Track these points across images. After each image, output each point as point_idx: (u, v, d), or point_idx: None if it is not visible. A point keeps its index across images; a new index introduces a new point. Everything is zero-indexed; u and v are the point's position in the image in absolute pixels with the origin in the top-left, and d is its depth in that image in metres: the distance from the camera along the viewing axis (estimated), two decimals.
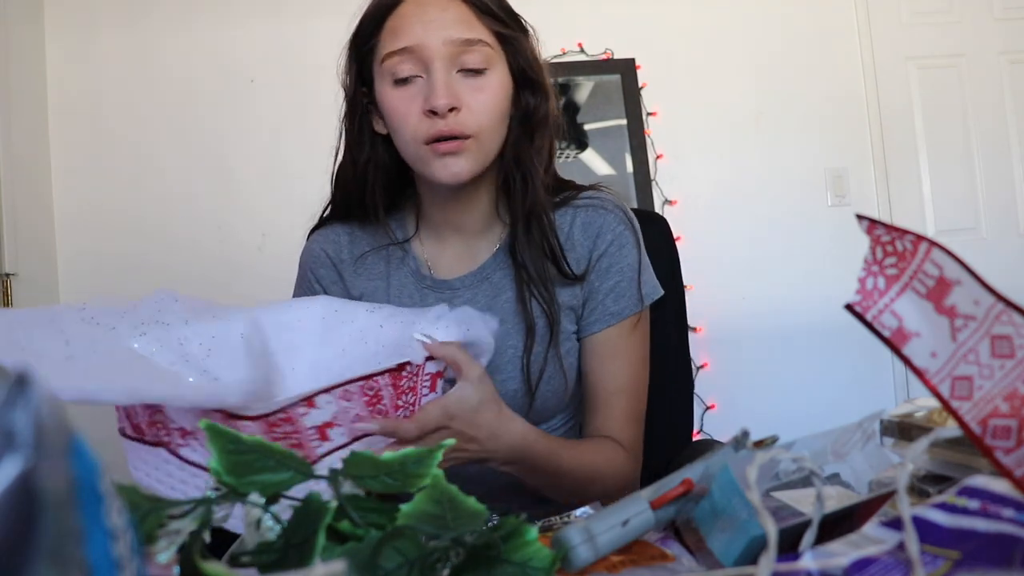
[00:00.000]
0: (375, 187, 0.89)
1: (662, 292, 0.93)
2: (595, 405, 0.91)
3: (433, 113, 0.79)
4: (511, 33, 0.84)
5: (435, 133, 0.79)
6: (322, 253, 0.95)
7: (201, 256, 2.36)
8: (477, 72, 0.81)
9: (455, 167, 0.81)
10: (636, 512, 0.50)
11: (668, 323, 1.20)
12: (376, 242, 0.93)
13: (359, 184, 0.90)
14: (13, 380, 0.22)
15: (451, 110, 0.79)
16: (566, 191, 0.93)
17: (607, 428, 0.89)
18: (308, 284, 0.96)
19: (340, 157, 0.92)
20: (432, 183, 0.85)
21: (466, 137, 0.80)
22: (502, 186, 0.89)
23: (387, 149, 0.89)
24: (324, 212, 0.98)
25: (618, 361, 0.90)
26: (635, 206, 1.91)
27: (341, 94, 0.89)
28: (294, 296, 0.99)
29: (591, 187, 0.95)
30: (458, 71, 0.81)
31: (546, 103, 0.87)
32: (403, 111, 0.81)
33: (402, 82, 0.81)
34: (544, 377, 0.87)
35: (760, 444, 0.53)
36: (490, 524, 0.64)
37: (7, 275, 2.05)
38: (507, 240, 0.90)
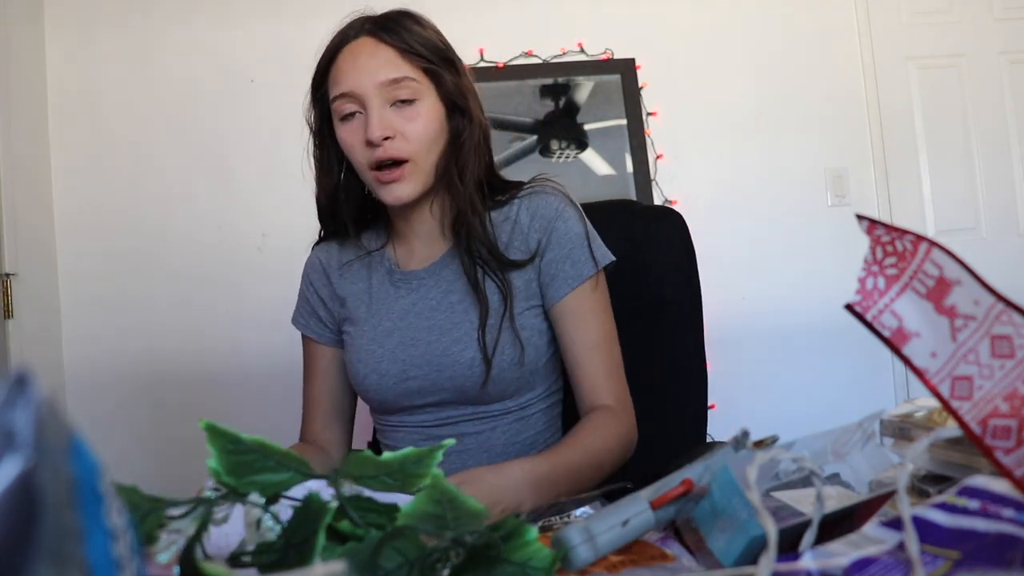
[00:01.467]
0: (346, 208, 1.05)
1: (613, 258, 1.03)
2: (576, 364, 1.00)
3: (371, 143, 0.93)
4: (435, 68, 0.97)
5: (375, 160, 0.94)
6: (316, 261, 1.12)
7: (201, 256, 2.36)
8: (407, 103, 0.94)
9: (398, 191, 0.96)
10: (636, 512, 0.50)
11: (684, 321, 1.20)
12: (359, 251, 1.10)
13: (332, 208, 1.06)
14: (13, 380, 0.22)
15: (386, 139, 0.93)
16: (511, 190, 1.05)
17: (592, 386, 0.99)
18: (305, 287, 1.13)
19: (315, 187, 1.07)
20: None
21: (403, 161, 0.94)
22: (446, 195, 1.03)
23: (351, 173, 1.04)
24: (320, 233, 1.14)
25: (587, 320, 1.00)
26: None
27: (307, 131, 1.03)
28: (297, 301, 1.14)
29: (532, 180, 1.07)
30: (392, 104, 0.94)
31: (470, 127, 0.99)
32: (350, 142, 0.96)
33: (348, 118, 0.96)
34: (499, 347, 0.97)
35: (760, 444, 0.53)
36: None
37: (7, 275, 2.05)
38: (451, 247, 1.04)
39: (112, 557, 0.24)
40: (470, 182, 0.99)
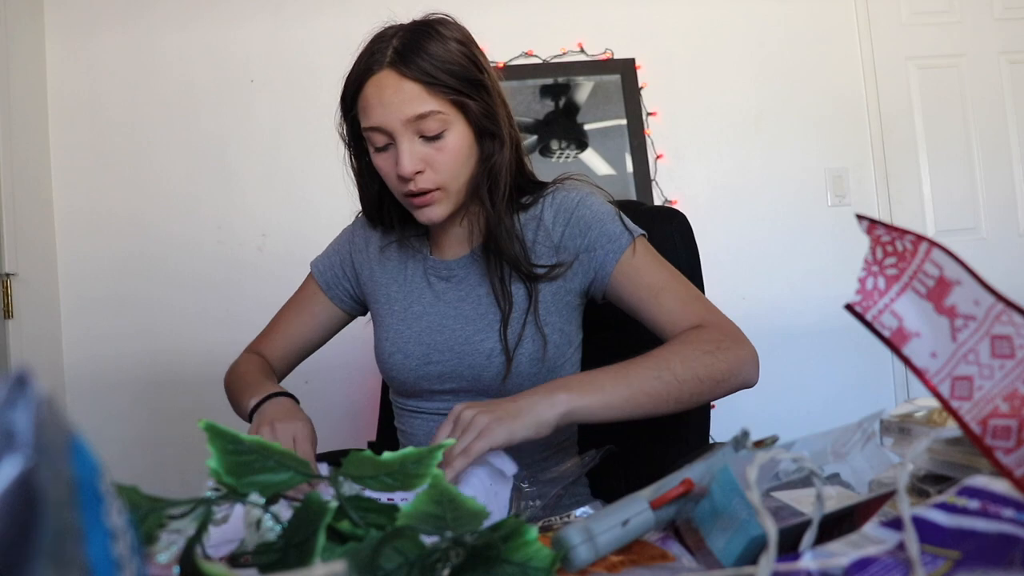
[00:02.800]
0: (389, 206, 1.10)
1: (645, 232, 1.02)
2: (653, 318, 0.97)
3: (402, 178, 0.95)
4: (461, 99, 0.96)
5: (408, 192, 0.97)
6: (362, 235, 1.17)
7: (201, 256, 2.36)
8: (435, 137, 0.95)
9: (430, 214, 0.99)
10: (636, 512, 0.50)
11: None
12: (398, 234, 1.13)
13: (378, 212, 1.11)
14: (13, 380, 0.22)
15: (417, 173, 0.95)
16: (538, 191, 1.07)
17: (672, 323, 0.95)
18: (342, 247, 1.18)
19: (358, 188, 1.11)
20: None
21: (435, 189, 0.97)
22: (480, 198, 1.05)
23: None
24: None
25: (647, 271, 0.99)
26: None
27: (341, 143, 1.06)
28: (328, 250, 1.20)
29: (556, 179, 1.09)
30: (420, 136, 0.95)
31: (501, 151, 1.00)
32: (386, 171, 0.99)
33: (381, 149, 0.97)
34: (521, 342, 1.00)
35: (760, 444, 0.53)
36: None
37: (7, 275, 2.05)
38: (480, 246, 1.07)
39: (112, 557, 0.24)
40: (501, 204, 1.01)
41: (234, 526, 0.46)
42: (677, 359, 0.87)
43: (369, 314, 1.18)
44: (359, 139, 1.02)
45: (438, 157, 0.95)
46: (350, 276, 1.16)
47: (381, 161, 0.98)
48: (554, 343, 1.02)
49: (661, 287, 0.97)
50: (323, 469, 0.84)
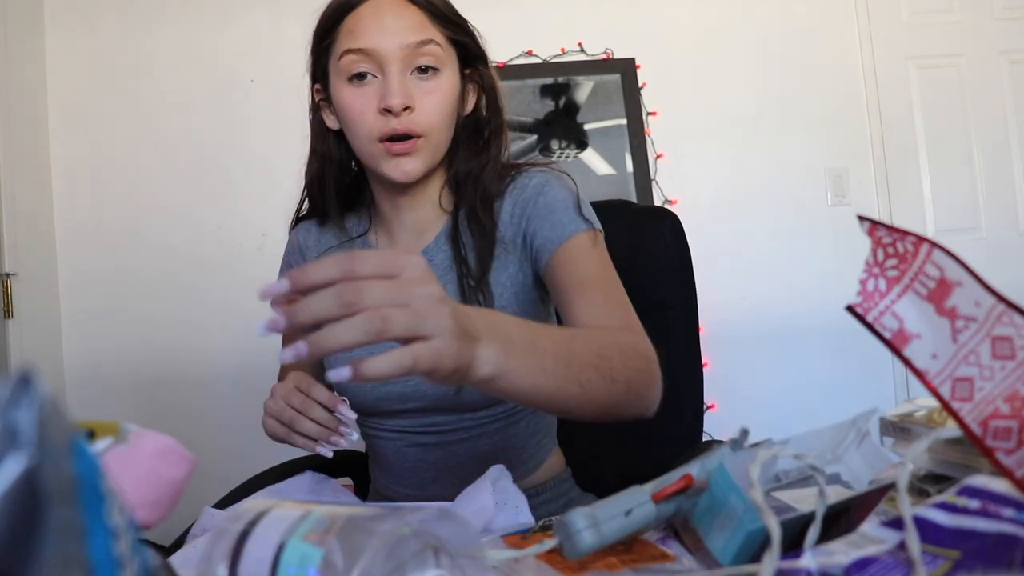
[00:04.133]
0: (330, 184, 0.96)
1: (600, 228, 0.92)
2: (573, 305, 0.84)
3: (388, 112, 0.84)
4: (460, 38, 0.90)
5: (389, 131, 0.84)
6: (296, 243, 1.05)
7: (201, 256, 2.36)
8: (429, 73, 0.86)
9: (408, 166, 0.86)
10: (639, 503, 0.50)
11: (680, 322, 1.19)
12: (340, 237, 1.01)
13: (319, 182, 0.96)
14: (17, 379, 0.22)
15: (405, 109, 0.84)
16: (507, 175, 0.96)
17: (591, 316, 0.82)
18: (284, 269, 1.07)
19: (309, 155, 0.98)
20: (384, 180, 0.90)
21: (418, 136, 0.85)
22: (449, 181, 0.95)
23: (339, 145, 0.94)
24: (299, 207, 1.05)
25: (581, 263, 0.87)
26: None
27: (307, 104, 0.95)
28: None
29: (523, 165, 0.97)
30: (411, 72, 0.86)
31: (499, 111, 0.93)
32: (358, 108, 0.86)
33: (358, 79, 0.85)
34: None
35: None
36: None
37: (7, 275, 2.05)
38: (448, 228, 0.95)
39: (113, 555, 0.24)
40: (491, 191, 0.91)
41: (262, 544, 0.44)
42: (616, 351, 0.70)
43: None
44: (317, 89, 0.92)
45: (427, 98, 0.85)
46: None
47: (354, 96, 0.85)
48: None
49: (591, 281, 0.85)
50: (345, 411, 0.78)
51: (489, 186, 0.92)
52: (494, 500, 0.74)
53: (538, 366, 0.61)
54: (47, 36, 2.37)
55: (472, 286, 0.89)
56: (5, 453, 0.20)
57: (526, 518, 0.74)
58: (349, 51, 0.85)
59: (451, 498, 0.83)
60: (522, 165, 0.97)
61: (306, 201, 1.02)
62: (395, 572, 0.40)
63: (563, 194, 0.92)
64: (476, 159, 0.93)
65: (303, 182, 1.00)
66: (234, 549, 0.43)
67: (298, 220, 1.05)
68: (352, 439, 0.86)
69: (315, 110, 0.95)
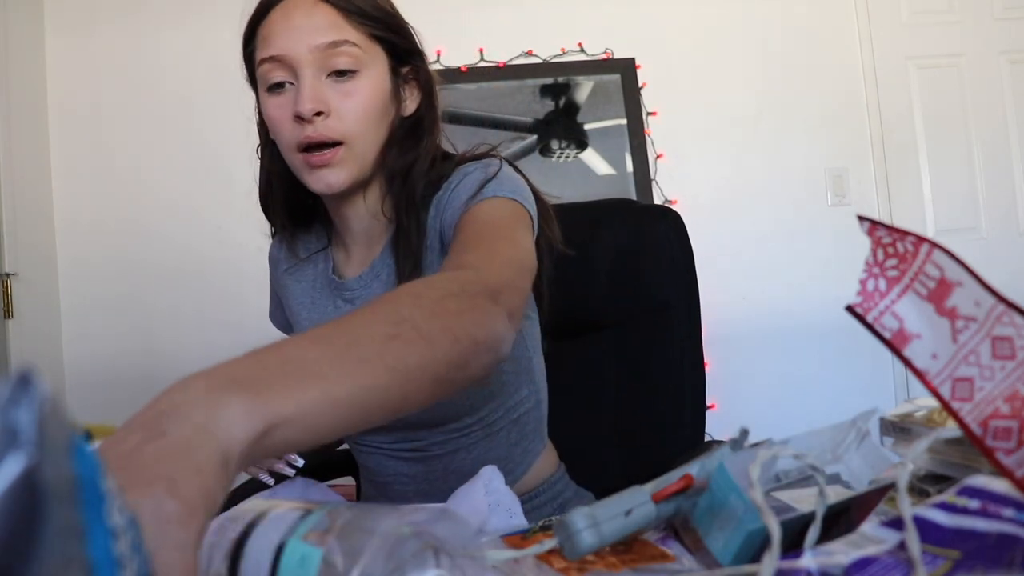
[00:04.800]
0: (277, 198, 0.91)
1: (525, 204, 0.81)
2: (452, 260, 0.74)
3: (301, 119, 0.78)
4: (385, 35, 0.83)
5: (304, 139, 0.79)
6: (272, 256, 1.04)
7: (201, 256, 2.36)
8: (346, 75, 0.80)
9: (329, 178, 0.81)
10: (639, 503, 0.50)
11: (682, 321, 1.19)
12: (306, 251, 0.98)
13: (266, 197, 0.92)
14: (17, 378, 0.22)
15: (318, 114, 0.78)
16: (449, 164, 0.88)
17: (452, 263, 0.72)
18: (271, 282, 1.05)
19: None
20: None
21: (336, 144, 0.80)
22: (386, 187, 0.87)
23: (280, 157, 0.87)
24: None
25: (481, 224, 0.77)
26: None
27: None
28: (270, 295, 1.07)
29: (463, 157, 0.90)
30: (327, 76, 0.80)
31: (432, 107, 0.87)
32: (277, 117, 0.81)
33: (276, 89, 0.81)
34: None
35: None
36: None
37: (7, 275, 2.05)
38: (391, 237, 0.88)
39: (113, 556, 0.24)
40: (417, 188, 0.84)
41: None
42: (415, 307, 0.54)
43: None
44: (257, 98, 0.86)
45: (345, 103, 0.79)
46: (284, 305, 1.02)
47: (273, 106, 0.81)
48: None
49: (483, 238, 0.74)
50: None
51: (415, 185, 0.84)
52: (487, 502, 0.74)
53: (317, 392, 0.44)
54: (47, 36, 2.37)
55: None
56: (4, 453, 0.20)
57: (519, 520, 0.73)
58: (263, 60, 0.81)
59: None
60: (462, 158, 0.89)
61: None
62: (395, 572, 0.40)
63: (477, 175, 0.82)
64: (403, 158, 0.85)
65: None
66: (234, 549, 0.43)
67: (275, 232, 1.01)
68: (298, 465, 0.86)
69: (259, 120, 0.89)
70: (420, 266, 0.84)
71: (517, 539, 0.64)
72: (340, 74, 0.80)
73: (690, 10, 2.62)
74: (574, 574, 0.53)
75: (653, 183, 2.55)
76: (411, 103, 0.87)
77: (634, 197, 2.52)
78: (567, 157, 2.53)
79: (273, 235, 1.02)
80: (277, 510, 0.45)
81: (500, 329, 0.60)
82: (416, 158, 0.85)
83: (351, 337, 0.49)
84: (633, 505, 0.50)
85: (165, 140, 2.39)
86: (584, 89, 2.56)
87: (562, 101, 2.56)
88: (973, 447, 0.46)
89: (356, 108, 0.80)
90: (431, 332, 0.52)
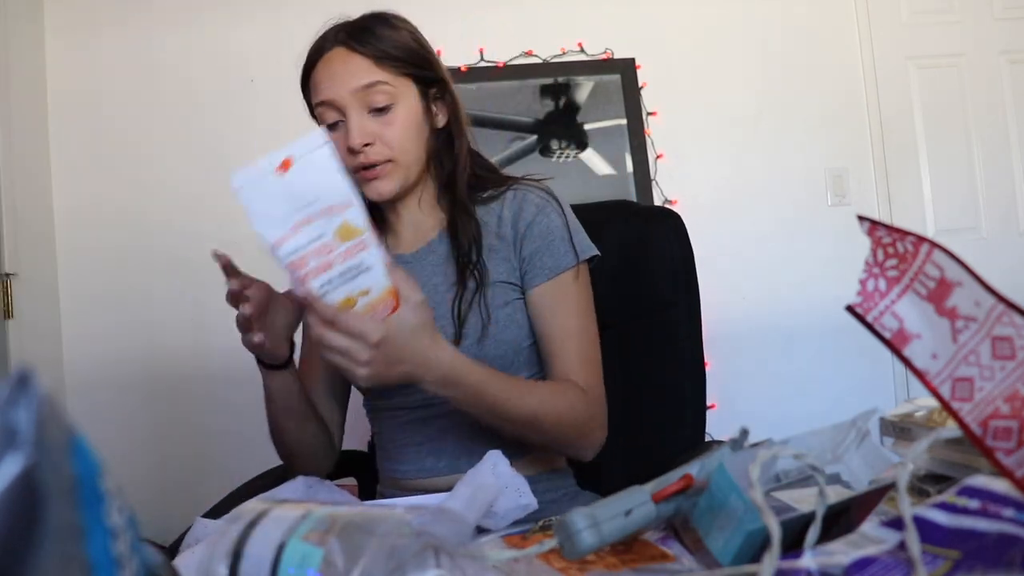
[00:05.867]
0: None
1: (597, 251, 1.04)
2: (550, 354, 1.02)
3: (352, 150, 0.97)
4: (411, 71, 1.00)
5: (358, 165, 0.98)
6: None
7: (202, 255, 2.35)
8: (384, 110, 0.98)
9: (380, 188, 1.00)
10: (639, 503, 0.50)
11: (683, 322, 1.19)
12: None
13: None
14: (15, 379, 0.22)
15: (366, 145, 0.97)
16: (499, 185, 1.08)
17: (563, 373, 1.00)
18: None
19: None
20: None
21: (385, 162, 0.98)
22: (442, 185, 1.07)
23: None
24: None
25: (563, 310, 1.02)
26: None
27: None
28: None
29: (521, 178, 1.09)
30: (369, 111, 0.98)
31: (457, 120, 1.05)
32: (337, 148, 0.98)
33: (332, 127, 0.99)
34: (468, 323, 0.99)
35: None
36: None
37: (7, 275, 2.05)
38: (446, 225, 1.07)
39: (112, 555, 0.24)
40: (463, 187, 1.04)
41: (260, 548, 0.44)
42: (552, 413, 0.94)
43: None
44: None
45: (387, 131, 0.98)
46: None
47: (333, 140, 0.99)
48: (512, 325, 1.01)
49: (572, 334, 1.01)
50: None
51: (461, 187, 1.04)
52: (495, 484, 0.76)
53: (476, 410, 0.89)
54: (47, 36, 2.37)
55: (470, 269, 1.01)
56: (3, 453, 0.20)
57: (528, 499, 0.77)
58: (317, 104, 0.99)
59: (448, 471, 1.00)
60: (519, 179, 1.09)
61: None
62: (395, 572, 0.40)
63: (558, 222, 1.03)
64: (446, 165, 1.05)
65: None
66: (234, 549, 0.43)
67: None
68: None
69: None
70: (478, 244, 1.02)
71: (517, 539, 0.64)
72: (379, 110, 0.98)
73: (690, 10, 2.62)
74: (574, 574, 0.53)
75: (653, 183, 2.55)
76: (442, 117, 1.05)
77: (634, 197, 2.52)
78: (567, 157, 2.53)
79: None
80: (277, 510, 0.45)
81: (590, 448, 0.99)
82: (455, 163, 1.05)
83: (507, 408, 0.91)
84: (633, 505, 0.50)
85: (165, 139, 2.39)
86: (584, 89, 2.56)
87: (562, 101, 2.55)
88: (973, 447, 0.46)
89: (397, 134, 0.99)
90: (547, 437, 0.96)
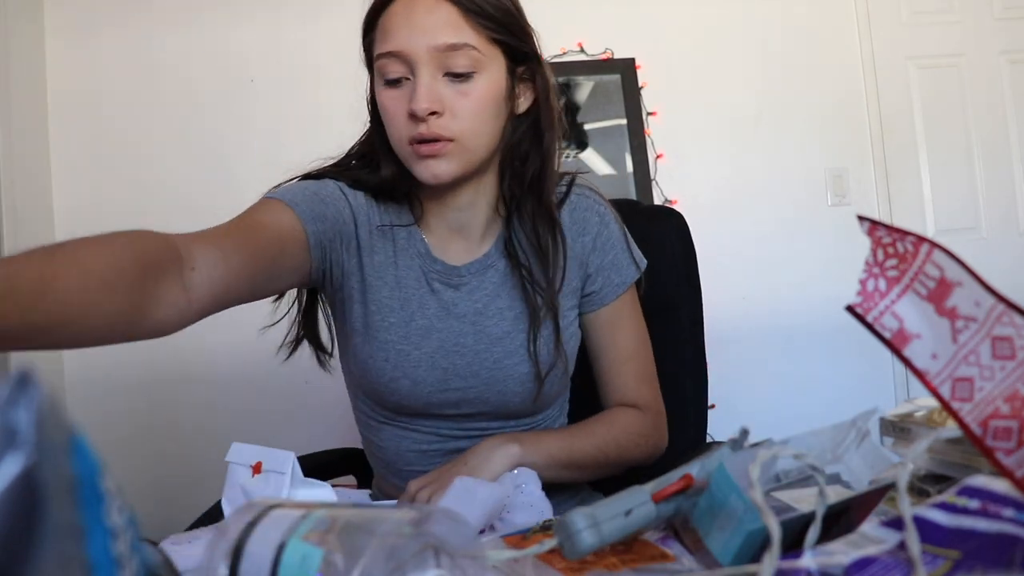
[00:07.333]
0: (371, 172, 0.92)
1: (646, 261, 0.99)
2: (606, 374, 0.96)
3: (415, 116, 0.80)
4: (504, 37, 0.84)
5: (416, 136, 0.81)
6: (343, 197, 0.91)
7: None
8: (463, 77, 0.81)
9: (436, 169, 0.83)
10: (639, 503, 0.50)
11: (685, 321, 1.19)
12: (384, 219, 0.92)
13: (370, 163, 0.92)
14: (15, 379, 0.22)
15: (432, 114, 0.80)
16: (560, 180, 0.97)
17: (621, 395, 0.95)
18: (331, 197, 0.89)
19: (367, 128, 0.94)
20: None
21: (448, 139, 0.82)
22: (505, 185, 0.91)
23: (385, 139, 0.89)
24: (349, 161, 0.96)
25: (627, 328, 0.96)
26: None
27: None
28: (300, 190, 0.90)
29: (567, 174, 0.98)
30: (444, 74, 0.81)
31: (548, 108, 0.89)
32: (392, 111, 0.83)
33: (392, 83, 0.83)
34: (550, 361, 0.91)
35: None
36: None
37: None
38: (504, 235, 0.93)
39: (112, 555, 0.24)
40: (551, 193, 0.89)
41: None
42: (615, 446, 0.91)
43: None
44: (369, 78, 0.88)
45: (460, 102, 0.81)
46: (340, 247, 0.89)
47: (388, 99, 0.83)
48: (571, 361, 0.95)
49: (631, 354, 0.96)
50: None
51: (549, 190, 0.89)
52: (518, 501, 0.78)
53: (545, 456, 0.86)
54: (47, 36, 2.36)
55: (543, 291, 0.88)
56: (3, 453, 0.20)
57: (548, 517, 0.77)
58: (382, 54, 0.82)
59: None
60: (571, 179, 0.97)
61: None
62: (395, 572, 0.40)
63: (618, 232, 0.96)
64: (529, 160, 0.89)
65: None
66: (234, 549, 0.43)
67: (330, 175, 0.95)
68: None
69: (371, 99, 0.91)
70: (556, 272, 0.89)
71: (517, 539, 0.64)
72: (457, 76, 0.81)
73: (690, 10, 2.62)
74: (574, 574, 0.53)
75: (653, 183, 2.55)
76: (524, 101, 0.89)
77: (634, 197, 2.52)
78: (567, 157, 2.53)
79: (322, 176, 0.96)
80: (278, 510, 0.45)
81: (658, 452, 0.97)
82: (543, 161, 0.88)
83: (571, 452, 0.89)
84: (633, 505, 0.50)
85: (165, 140, 2.39)
86: (584, 89, 2.56)
87: (562, 101, 2.55)
88: (973, 447, 0.46)
89: (471, 108, 0.82)
90: (613, 460, 0.92)
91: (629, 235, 0.98)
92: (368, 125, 0.94)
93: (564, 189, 0.95)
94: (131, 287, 0.63)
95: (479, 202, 0.91)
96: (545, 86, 0.89)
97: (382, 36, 0.83)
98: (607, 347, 0.96)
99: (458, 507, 0.71)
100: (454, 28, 0.80)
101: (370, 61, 0.87)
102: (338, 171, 0.94)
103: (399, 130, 0.83)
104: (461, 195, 0.90)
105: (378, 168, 0.91)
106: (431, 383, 0.89)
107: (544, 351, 0.90)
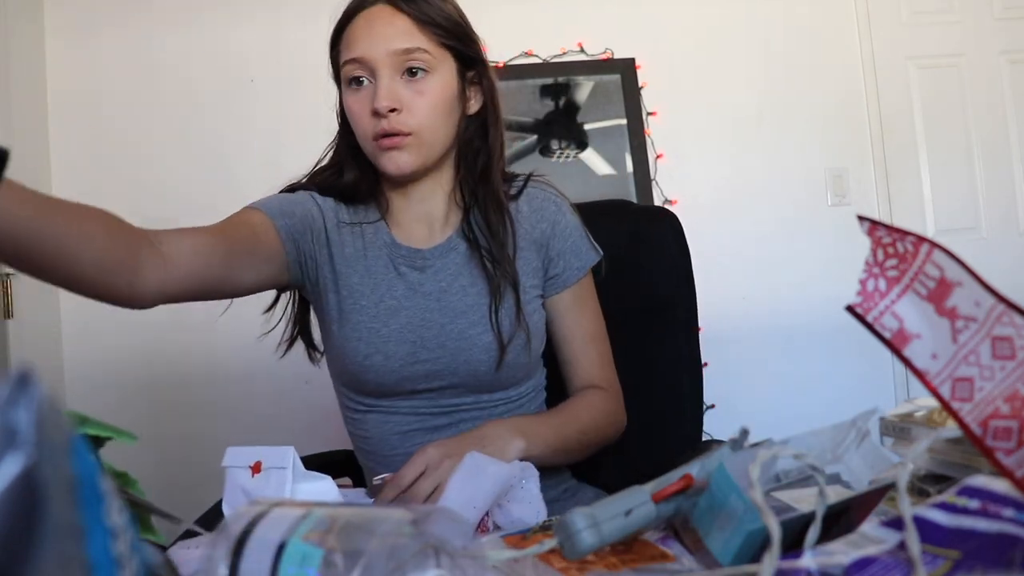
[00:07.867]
0: (338, 176, 1.03)
1: (601, 252, 1.06)
2: (572, 356, 1.04)
3: (377, 113, 0.91)
4: (452, 43, 0.95)
5: (379, 131, 0.92)
6: (310, 199, 1.03)
7: None
8: (417, 75, 0.93)
9: (399, 160, 0.94)
10: (639, 503, 0.50)
11: (680, 321, 1.20)
12: (352, 217, 1.03)
13: (339, 169, 1.03)
14: (16, 379, 0.22)
15: (392, 111, 0.91)
16: (511, 181, 1.06)
17: (588, 375, 1.03)
18: (303, 203, 1.01)
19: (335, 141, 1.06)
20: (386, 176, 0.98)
21: (407, 134, 0.92)
22: (461, 177, 1.02)
23: (353, 144, 1.01)
24: (319, 168, 1.07)
25: (586, 311, 1.04)
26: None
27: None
28: (275, 199, 1.04)
29: (527, 176, 1.08)
30: (402, 75, 0.93)
31: (494, 108, 1.00)
32: (357, 112, 0.94)
33: (355, 85, 0.94)
34: (512, 332, 0.98)
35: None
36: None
37: (7, 275, 2.05)
38: (463, 221, 1.02)
39: (112, 555, 0.24)
40: (498, 181, 1.00)
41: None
42: (594, 427, 0.99)
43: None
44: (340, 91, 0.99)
45: (417, 100, 0.92)
46: (310, 240, 0.99)
47: (354, 102, 0.94)
48: (536, 333, 1.01)
49: (592, 336, 1.04)
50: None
51: (497, 180, 1.00)
52: (518, 495, 0.81)
53: (542, 447, 0.92)
54: (47, 36, 2.36)
55: (500, 268, 0.98)
56: (3, 453, 0.20)
57: (543, 517, 0.78)
58: (347, 61, 0.93)
59: None
60: (527, 176, 1.07)
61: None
62: (395, 572, 0.40)
63: (575, 221, 1.04)
64: (480, 155, 1.01)
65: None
66: (234, 549, 0.43)
67: (295, 187, 1.07)
68: None
69: (340, 111, 1.02)
70: (510, 246, 0.99)
71: (517, 539, 0.64)
72: (412, 73, 0.93)
73: (691, 10, 2.62)
74: (574, 574, 0.53)
75: (653, 183, 2.55)
76: (475, 103, 1.00)
77: (634, 197, 2.52)
78: (567, 157, 2.53)
79: (296, 188, 1.07)
80: (278, 510, 0.45)
81: (622, 430, 1.06)
82: (490, 155, 1.00)
83: (563, 433, 0.96)
84: (633, 505, 0.50)
85: (165, 139, 2.39)
86: (584, 89, 2.56)
87: (562, 101, 2.55)
88: (973, 447, 0.46)
89: (426, 104, 0.93)
90: (593, 445, 1.01)
91: (584, 226, 1.05)
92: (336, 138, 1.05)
93: (521, 184, 1.05)
94: (128, 237, 0.87)
95: (438, 192, 1.02)
96: (491, 88, 1.01)
97: (347, 46, 0.94)
98: (573, 327, 1.03)
99: (470, 479, 0.76)
100: (408, 35, 0.92)
101: (337, 74, 0.99)
102: (308, 181, 1.06)
103: (364, 128, 0.94)
104: (422, 186, 1.01)
105: (343, 173, 1.02)
106: (401, 356, 0.97)
107: (506, 322, 0.97)
